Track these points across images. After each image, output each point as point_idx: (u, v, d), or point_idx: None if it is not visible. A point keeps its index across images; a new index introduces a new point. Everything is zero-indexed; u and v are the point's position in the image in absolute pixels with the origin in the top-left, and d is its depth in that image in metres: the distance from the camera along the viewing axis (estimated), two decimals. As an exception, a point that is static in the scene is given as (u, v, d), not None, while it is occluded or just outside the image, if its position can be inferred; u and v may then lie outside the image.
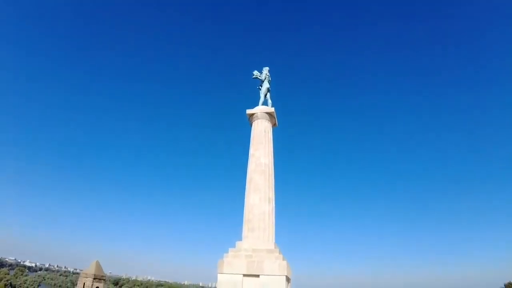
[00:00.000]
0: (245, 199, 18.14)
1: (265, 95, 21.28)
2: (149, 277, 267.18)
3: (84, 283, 26.22)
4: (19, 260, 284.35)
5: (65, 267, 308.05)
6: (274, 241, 17.13)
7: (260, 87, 21.56)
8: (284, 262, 15.59)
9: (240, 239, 17.58)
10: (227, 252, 16.68)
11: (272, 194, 18.13)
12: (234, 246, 17.03)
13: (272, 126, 20.67)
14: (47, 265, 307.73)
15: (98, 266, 27.22)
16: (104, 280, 27.65)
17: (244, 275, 15.50)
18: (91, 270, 26.91)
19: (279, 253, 16.27)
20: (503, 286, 49.10)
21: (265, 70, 21.85)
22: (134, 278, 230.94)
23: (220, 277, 15.71)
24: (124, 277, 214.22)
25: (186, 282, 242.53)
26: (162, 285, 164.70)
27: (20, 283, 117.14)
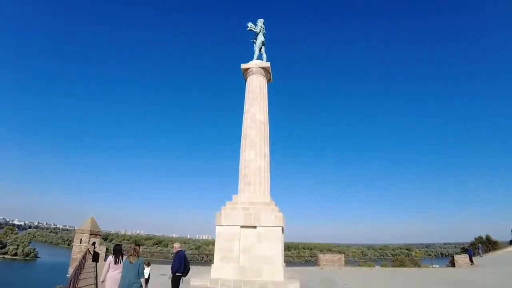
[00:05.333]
0: (241, 155, 18.32)
1: (260, 49, 20.56)
2: (137, 231, 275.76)
3: (81, 239, 26.78)
4: (7, 219, 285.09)
5: (54, 224, 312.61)
6: (269, 194, 17.70)
7: (255, 40, 20.76)
8: (280, 214, 16.26)
9: (236, 194, 18.00)
10: (224, 205, 17.17)
11: (267, 150, 18.37)
12: (231, 199, 17.52)
13: (267, 82, 20.35)
14: (36, 223, 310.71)
15: (94, 222, 27.67)
16: (100, 235, 28.29)
17: (242, 226, 16.15)
18: (86, 226, 27.36)
19: (275, 206, 16.90)
20: (473, 239, 52.54)
21: (260, 22, 20.86)
22: (123, 232, 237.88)
23: (218, 228, 16.32)
24: (113, 232, 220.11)
25: (174, 235, 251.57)
26: (150, 239, 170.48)
27: (11, 241, 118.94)
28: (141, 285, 7.80)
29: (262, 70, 19.78)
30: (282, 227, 16.26)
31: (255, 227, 16.00)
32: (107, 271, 8.89)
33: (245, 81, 20.21)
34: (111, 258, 9.08)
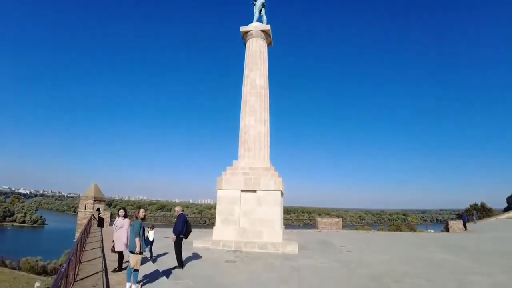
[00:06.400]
0: (241, 121, 18.27)
1: (260, 11, 19.79)
2: (141, 197, 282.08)
3: (86, 205, 27.41)
4: (13, 189, 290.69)
5: (59, 192, 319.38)
6: (269, 160, 17.86)
7: (254, 2, 19.92)
8: (279, 179, 16.51)
9: (236, 159, 18.16)
10: (225, 170, 17.41)
11: (267, 116, 18.28)
12: (231, 165, 17.72)
13: (268, 45, 19.81)
14: (41, 191, 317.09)
15: (97, 188, 28.19)
16: (104, 201, 28.92)
17: (242, 190, 16.49)
18: (90, 193, 27.90)
19: (275, 171, 17.13)
20: (468, 206, 53.66)
21: None
22: (126, 198, 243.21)
23: (219, 192, 16.68)
24: (117, 198, 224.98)
25: (176, 200, 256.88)
26: (154, 204, 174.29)
27: (18, 209, 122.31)
28: (135, 245, 7.94)
29: (262, 33, 19.18)
30: (281, 191, 16.59)
31: (255, 191, 16.34)
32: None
33: (245, 45, 19.67)
34: (129, 220, 9.45)
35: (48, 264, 37.59)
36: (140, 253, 7.99)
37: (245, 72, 18.74)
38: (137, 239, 7.96)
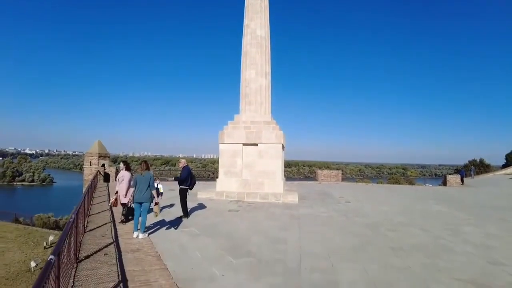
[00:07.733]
0: (241, 74, 17.81)
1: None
2: (145, 153, 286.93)
3: (91, 162, 27.89)
4: (19, 149, 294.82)
5: (64, 151, 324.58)
6: (270, 113, 17.73)
7: None
8: (281, 132, 16.52)
9: (237, 113, 18.03)
10: (226, 125, 17.38)
11: (268, 68, 17.77)
12: (232, 119, 17.64)
13: (268, -8, 18.67)
14: (46, 151, 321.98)
15: (101, 145, 28.52)
16: (108, 157, 29.42)
17: (244, 144, 16.61)
18: (94, 149, 28.27)
19: (276, 124, 17.07)
20: (467, 162, 54.25)
21: None
22: (131, 154, 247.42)
23: (221, 146, 16.83)
24: (121, 154, 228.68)
25: (181, 155, 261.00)
26: (158, 159, 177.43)
27: (26, 169, 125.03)
28: (151, 195, 8.26)
29: (262, -21, 17.97)
30: (282, 144, 16.68)
31: (256, 144, 16.46)
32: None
33: (244, -8, 18.54)
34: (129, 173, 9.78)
35: (60, 219, 39.25)
36: (156, 204, 8.58)
37: (245, 21, 17.86)
38: (154, 191, 8.37)
